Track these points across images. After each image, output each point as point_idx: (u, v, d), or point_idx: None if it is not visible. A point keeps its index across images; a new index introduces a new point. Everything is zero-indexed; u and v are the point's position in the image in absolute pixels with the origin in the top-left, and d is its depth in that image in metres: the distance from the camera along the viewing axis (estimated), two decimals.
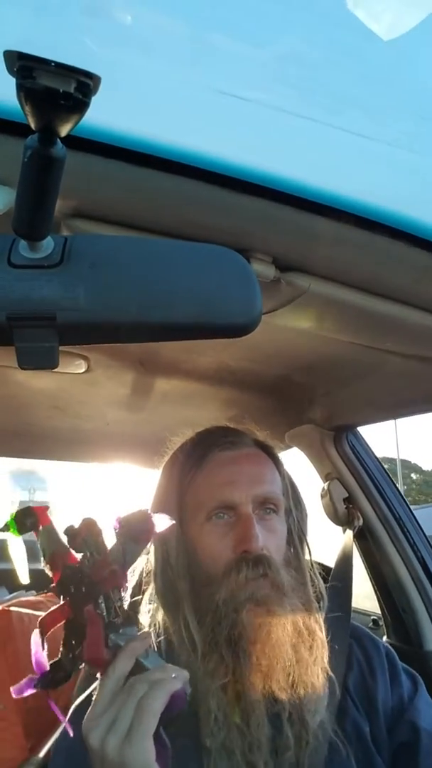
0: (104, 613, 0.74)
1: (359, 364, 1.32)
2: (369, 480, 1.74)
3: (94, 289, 0.47)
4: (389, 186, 0.72)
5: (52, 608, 0.81)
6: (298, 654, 0.86)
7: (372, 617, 2.06)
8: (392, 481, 1.78)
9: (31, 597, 2.48)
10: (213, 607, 0.86)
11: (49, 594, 2.56)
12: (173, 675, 0.70)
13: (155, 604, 0.97)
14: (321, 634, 0.91)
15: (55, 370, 0.56)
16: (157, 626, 0.94)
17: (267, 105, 0.63)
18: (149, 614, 0.96)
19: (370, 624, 2.02)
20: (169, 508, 0.95)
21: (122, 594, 0.76)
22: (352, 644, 1.02)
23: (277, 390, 1.64)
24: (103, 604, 0.74)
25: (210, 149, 0.61)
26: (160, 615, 0.95)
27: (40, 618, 0.82)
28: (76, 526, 0.76)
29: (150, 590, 0.99)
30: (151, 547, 0.99)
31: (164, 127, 0.59)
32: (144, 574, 1.02)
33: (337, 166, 0.69)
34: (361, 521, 1.72)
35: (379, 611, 1.85)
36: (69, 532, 0.76)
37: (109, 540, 0.77)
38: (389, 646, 1.05)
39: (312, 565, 1.02)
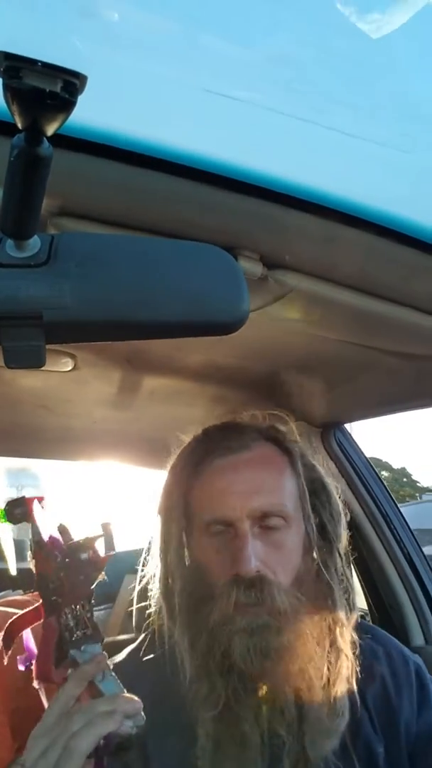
0: (70, 624, 0.70)
1: (347, 362, 1.33)
2: (356, 477, 1.74)
3: (81, 287, 0.47)
4: (377, 184, 0.72)
5: (26, 610, 0.78)
6: (306, 681, 0.80)
7: (359, 614, 2.07)
8: (380, 478, 1.79)
9: (19, 596, 2.47)
10: (206, 629, 0.81)
11: (36, 593, 2.56)
12: (124, 707, 0.65)
13: (162, 610, 0.93)
14: (349, 652, 0.84)
15: (42, 368, 0.56)
16: (164, 633, 0.89)
17: (255, 104, 0.63)
18: (156, 620, 0.92)
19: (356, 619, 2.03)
20: (172, 513, 0.92)
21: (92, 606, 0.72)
22: (378, 654, 0.94)
23: (265, 387, 1.64)
24: (69, 615, 0.70)
25: (198, 148, 0.61)
26: (165, 621, 0.90)
27: (11, 620, 0.79)
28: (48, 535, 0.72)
29: (158, 596, 0.95)
30: (155, 551, 0.97)
31: (152, 126, 0.59)
32: (151, 578, 0.98)
33: (324, 165, 0.69)
34: (348, 518, 1.73)
35: (366, 607, 1.86)
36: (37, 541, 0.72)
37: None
38: (421, 663, 0.97)
39: (344, 572, 0.93)
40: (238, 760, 0.77)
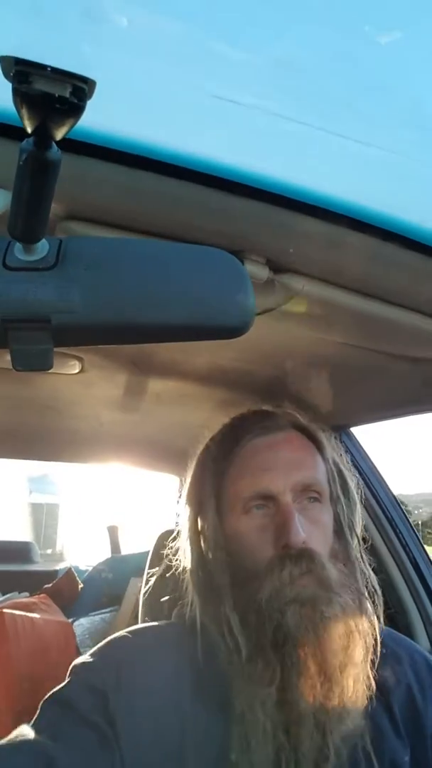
0: None
1: (352, 366, 1.33)
2: (362, 481, 1.74)
3: (89, 291, 0.48)
4: (383, 189, 0.72)
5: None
6: (348, 656, 0.80)
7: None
8: (385, 481, 1.79)
9: (24, 598, 2.48)
10: (256, 607, 0.80)
11: (42, 596, 2.57)
12: None
13: (192, 602, 0.91)
14: (372, 635, 0.84)
15: (50, 371, 0.57)
16: (196, 626, 0.87)
17: (262, 109, 0.63)
18: (187, 613, 0.91)
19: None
20: (205, 500, 0.91)
21: None
22: (401, 659, 0.93)
23: (270, 391, 1.64)
24: None
25: (205, 152, 0.61)
26: (198, 613, 0.88)
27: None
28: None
29: (187, 587, 0.93)
30: (185, 543, 0.96)
31: (159, 130, 0.60)
32: (179, 571, 0.97)
33: (331, 169, 0.69)
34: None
35: None
36: None
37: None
38: None
39: (362, 557, 0.94)
40: (292, 737, 0.76)
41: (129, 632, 0.91)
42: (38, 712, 0.81)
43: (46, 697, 0.83)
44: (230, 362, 1.45)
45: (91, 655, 0.87)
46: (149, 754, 0.76)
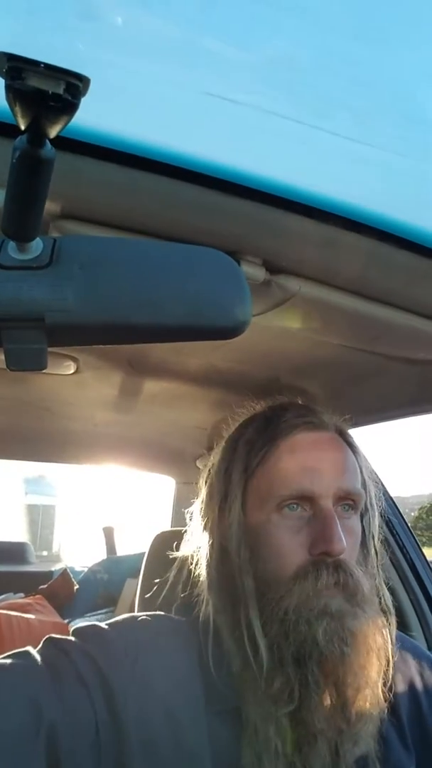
0: None
1: (349, 367, 1.33)
2: None
3: (83, 290, 0.47)
4: (379, 189, 0.72)
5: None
6: (365, 677, 0.76)
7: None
8: (383, 484, 1.79)
9: (20, 599, 2.48)
10: (280, 616, 0.74)
11: (38, 596, 2.56)
12: None
13: (206, 602, 0.85)
14: (388, 652, 0.80)
15: (44, 371, 0.56)
16: (209, 626, 0.82)
17: (257, 108, 0.63)
18: (201, 614, 0.85)
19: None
20: (231, 491, 0.84)
21: None
22: (408, 663, 0.90)
23: (267, 392, 1.63)
24: None
25: (200, 151, 0.61)
26: (211, 613, 0.83)
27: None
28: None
29: (201, 582, 0.87)
30: (203, 534, 0.90)
31: (154, 129, 0.59)
32: (191, 563, 0.91)
33: (326, 169, 0.69)
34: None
35: None
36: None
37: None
38: None
39: (379, 572, 0.89)
40: (304, 757, 0.73)
41: (149, 617, 0.85)
42: (41, 646, 0.79)
43: (51, 636, 0.80)
44: (226, 363, 1.45)
45: (110, 626, 0.81)
46: (164, 755, 0.72)
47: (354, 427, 1.76)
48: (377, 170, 0.70)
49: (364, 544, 0.86)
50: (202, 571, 0.88)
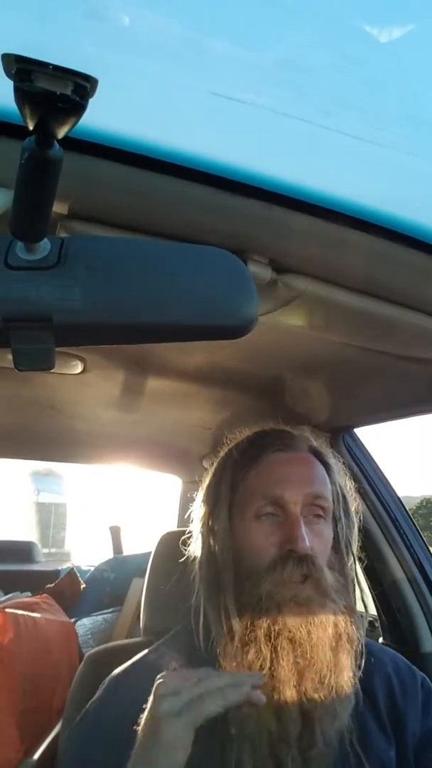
0: None
1: (356, 366, 1.32)
2: (365, 482, 1.74)
3: (91, 290, 0.48)
4: (386, 188, 0.72)
5: None
6: (336, 657, 0.87)
7: (368, 619, 2.06)
8: (389, 482, 1.79)
9: (27, 598, 2.48)
10: (255, 600, 0.87)
11: (44, 595, 2.57)
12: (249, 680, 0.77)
13: (197, 590, 0.99)
14: (358, 644, 0.91)
15: (52, 370, 0.57)
16: (199, 614, 0.96)
17: (264, 108, 0.63)
18: (193, 601, 0.98)
19: (366, 626, 2.02)
20: (220, 502, 0.98)
21: None
22: (385, 662, 1.02)
23: (273, 391, 1.64)
24: None
25: (207, 151, 0.61)
26: (202, 603, 0.97)
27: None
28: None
29: (195, 576, 1.01)
30: (197, 537, 1.03)
31: (161, 129, 0.60)
32: (189, 561, 1.04)
33: (333, 169, 0.69)
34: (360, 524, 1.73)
35: (375, 613, 1.85)
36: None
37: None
38: (426, 677, 1.04)
39: (357, 576, 1.02)
40: (278, 723, 0.82)
41: (130, 673, 0.97)
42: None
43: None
44: (233, 362, 1.45)
45: (100, 701, 0.94)
46: None
47: (360, 426, 1.76)
48: (384, 169, 0.70)
49: (337, 549, 0.99)
50: (195, 567, 1.02)
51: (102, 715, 0.91)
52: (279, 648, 0.84)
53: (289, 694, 0.83)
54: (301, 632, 0.85)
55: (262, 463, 0.97)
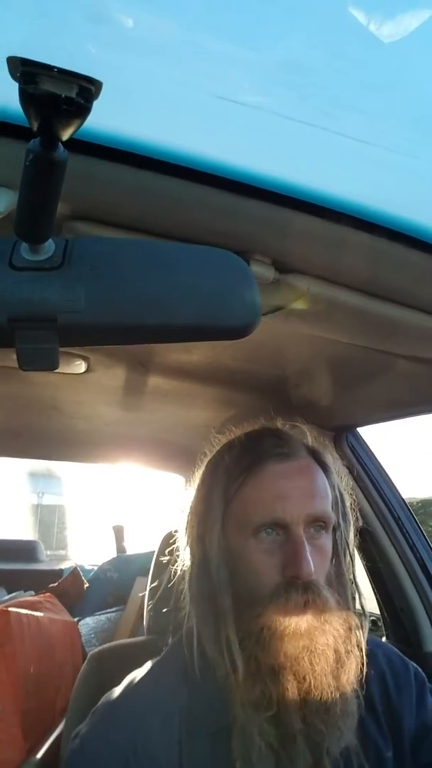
0: None
1: (358, 366, 1.33)
2: (368, 481, 1.74)
3: (95, 291, 0.48)
4: (388, 188, 0.72)
5: None
6: (338, 681, 0.83)
7: (371, 618, 2.06)
8: (392, 482, 1.79)
9: (30, 597, 2.49)
10: (256, 631, 0.82)
11: (47, 594, 2.57)
12: None
13: (188, 612, 0.93)
14: (359, 653, 0.87)
15: (56, 370, 0.57)
16: (191, 635, 0.90)
17: (267, 109, 0.63)
18: (185, 623, 0.93)
19: (369, 625, 2.02)
20: (211, 514, 0.92)
21: None
22: (378, 658, 0.98)
23: (277, 391, 1.64)
24: None
25: (210, 152, 0.61)
26: (195, 625, 0.91)
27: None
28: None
29: (184, 593, 0.95)
30: (186, 554, 0.97)
31: (165, 131, 0.60)
32: (173, 574, 0.99)
33: (336, 170, 0.69)
34: (360, 522, 1.73)
35: (378, 612, 1.86)
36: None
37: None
38: (418, 668, 1.02)
39: (354, 579, 0.97)
40: (288, 757, 0.79)
41: (120, 707, 0.91)
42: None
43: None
44: (236, 362, 1.45)
45: (95, 735, 0.88)
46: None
47: (363, 425, 1.77)
48: (386, 170, 0.71)
49: (336, 555, 0.94)
50: (185, 585, 0.96)
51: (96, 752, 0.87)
52: (284, 682, 0.81)
53: (297, 727, 0.80)
54: (304, 664, 0.81)
55: (260, 474, 0.90)
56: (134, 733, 0.84)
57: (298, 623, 0.82)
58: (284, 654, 0.81)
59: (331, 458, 0.99)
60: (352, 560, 0.98)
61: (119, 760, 0.82)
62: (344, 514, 0.97)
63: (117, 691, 0.93)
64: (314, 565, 0.84)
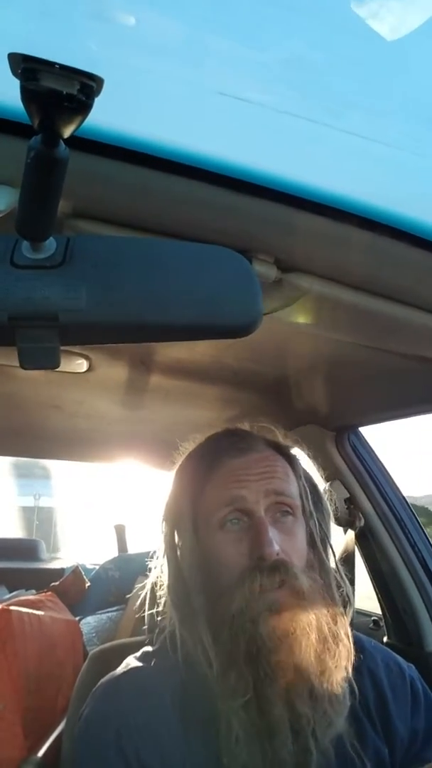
0: None
1: (361, 365, 1.32)
2: (370, 480, 1.74)
3: (96, 289, 0.48)
4: (391, 187, 0.72)
5: None
6: (322, 664, 0.81)
7: (373, 618, 2.06)
8: (394, 481, 1.79)
9: (31, 596, 2.49)
10: (228, 620, 0.82)
11: (49, 593, 2.57)
12: None
13: (171, 618, 0.93)
14: (347, 641, 0.85)
15: (57, 369, 0.57)
16: (176, 640, 0.90)
17: (269, 107, 0.63)
18: (167, 627, 0.93)
19: (371, 625, 2.01)
20: (182, 518, 0.94)
21: None
22: (376, 662, 0.97)
23: (279, 390, 1.64)
24: None
25: (212, 150, 0.61)
26: (177, 629, 0.91)
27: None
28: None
29: (166, 602, 0.96)
30: (163, 559, 0.98)
31: (167, 129, 0.60)
32: (158, 586, 1.00)
33: (338, 168, 0.69)
34: (362, 522, 1.73)
35: (379, 612, 1.85)
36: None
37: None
38: (416, 674, 1.00)
39: (338, 568, 0.97)
40: (270, 744, 0.78)
41: (120, 682, 0.91)
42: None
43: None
44: (238, 361, 1.45)
45: (87, 722, 0.87)
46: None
47: (365, 424, 1.76)
48: (389, 168, 0.70)
49: (314, 545, 0.94)
50: (165, 591, 0.97)
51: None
52: (261, 668, 0.79)
53: (278, 713, 0.78)
54: (282, 645, 0.80)
55: (219, 470, 0.92)
56: (136, 708, 0.84)
57: (270, 603, 0.81)
58: (259, 635, 0.80)
59: (298, 451, 1.01)
60: (333, 550, 0.98)
61: (122, 736, 0.81)
62: (317, 504, 0.98)
63: (115, 672, 0.93)
64: (284, 547, 0.85)
